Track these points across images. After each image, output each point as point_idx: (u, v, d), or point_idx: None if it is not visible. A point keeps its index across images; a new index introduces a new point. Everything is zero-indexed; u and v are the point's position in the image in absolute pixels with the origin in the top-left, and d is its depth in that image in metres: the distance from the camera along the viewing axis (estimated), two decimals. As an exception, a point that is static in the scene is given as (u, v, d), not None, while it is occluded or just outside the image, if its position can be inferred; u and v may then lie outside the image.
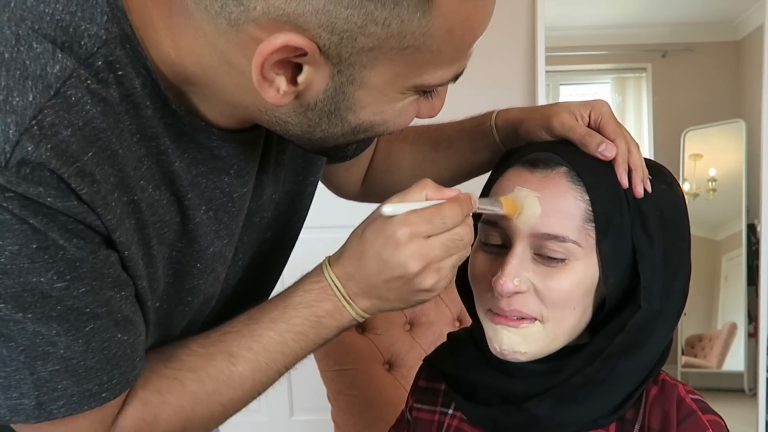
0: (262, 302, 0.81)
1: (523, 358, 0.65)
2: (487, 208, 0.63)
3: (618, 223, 0.63)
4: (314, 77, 0.50)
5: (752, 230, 2.18)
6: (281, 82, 0.50)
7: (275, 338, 0.62)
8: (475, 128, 0.81)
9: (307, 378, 0.86)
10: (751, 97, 2.16)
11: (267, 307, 0.64)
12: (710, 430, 0.63)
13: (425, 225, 0.58)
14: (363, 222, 0.62)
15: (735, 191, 2.24)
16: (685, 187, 2.31)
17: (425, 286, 0.60)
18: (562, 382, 0.65)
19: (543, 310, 0.64)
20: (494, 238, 0.67)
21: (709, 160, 2.31)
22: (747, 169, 2.21)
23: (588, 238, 0.63)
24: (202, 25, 0.49)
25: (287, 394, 2.25)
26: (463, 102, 0.87)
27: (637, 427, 0.66)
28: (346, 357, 1.41)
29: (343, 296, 0.62)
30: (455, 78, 0.56)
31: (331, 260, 0.63)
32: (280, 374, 0.65)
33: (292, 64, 0.49)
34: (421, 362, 0.82)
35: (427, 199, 0.59)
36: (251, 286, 0.77)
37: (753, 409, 2.13)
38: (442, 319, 1.46)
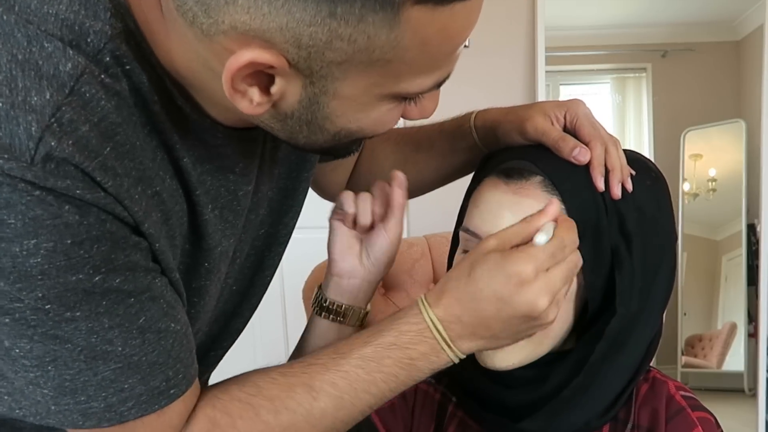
0: (257, 300, 0.81)
1: (511, 367, 0.65)
2: None
3: (596, 228, 0.63)
4: (287, 88, 0.50)
5: (752, 230, 2.18)
6: (254, 93, 0.50)
7: (364, 377, 0.59)
8: (455, 129, 0.80)
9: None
10: (751, 97, 2.16)
11: (356, 342, 0.61)
12: (699, 427, 0.63)
13: (548, 259, 0.56)
14: (465, 259, 0.60)
15: (735, 191, 2.24)
16: (685, 187, 2.31)
17: (548, 320, 0.58)
18: (550, 392, 0.65)
19: None
20: (474, 246, 0.67)
21: (709, 160, 2.31)
22: (747, 169, 2.21)
23: None
24: (185, 30, 0.49)
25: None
26: (463, 102, 0.87)
27: (629, 426, 0.65)
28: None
29: (444, 339, 0.59)
30: (439, 84, 0.54)
31: (430, 300, 0.60)
32: (363, 414, 0.62)
33: (265, 75, 0.49)
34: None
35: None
36: (247, 284, 0.77)
37: (753, 409, 2.13)
38: (442, 319, 1.46)
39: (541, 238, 0.56)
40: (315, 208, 0.84)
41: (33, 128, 0.45)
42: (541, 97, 2.06)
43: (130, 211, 0.51)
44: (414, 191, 0.93)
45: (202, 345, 0.73)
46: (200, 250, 0.62)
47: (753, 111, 2.13)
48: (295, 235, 0.82)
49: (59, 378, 0.51)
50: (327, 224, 0.77)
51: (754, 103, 2.12)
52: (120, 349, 0.52)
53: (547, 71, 2.06)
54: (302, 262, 0.92)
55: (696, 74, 2.31)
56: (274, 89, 0.50)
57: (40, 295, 0.48)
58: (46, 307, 0.48)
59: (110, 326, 0.51)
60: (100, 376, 0.51)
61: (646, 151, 2.30)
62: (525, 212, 0.62)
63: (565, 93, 2.33)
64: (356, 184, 0.94)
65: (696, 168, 2.31)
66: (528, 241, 0.57)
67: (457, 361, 0.60)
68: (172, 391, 0.55)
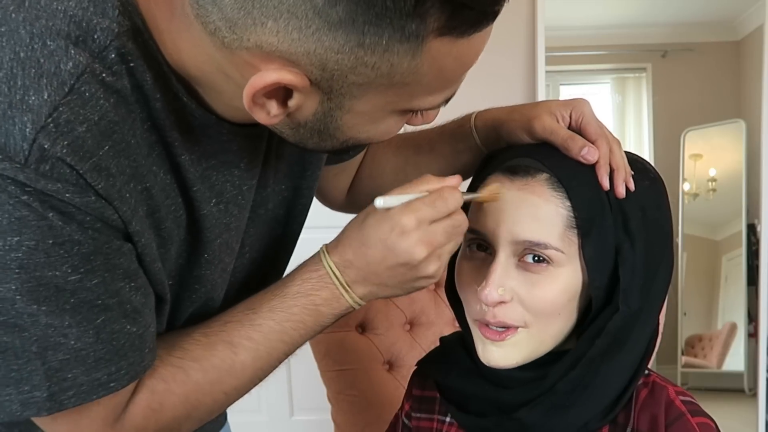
0: None
1: (513, 365, 0.65)
2: (469, 196, 0.64)
3: (601, 227, 0.63)
4: (305, 102, 0.52)
5: (752, 230, 2.18)
6: (272, 106, 0.51)
7: (275, 327, 0.64)
8: (455, 130, 0.81)
9: (307, 378, 0.86)
10: (751, 97, 2.16)
11: (266, 296, 0.66)
12: None
13: (430, 210, 0.59)
14: (363, 211, 0.63)
15: (735, 191, 2.24)
16: (685, 187, 2.31)
17: (428, 273, 0.61)
18: (549, 389, 0.65)
19: (528, 318, 0.64)
20: (479, 245, 0.67)
21: (709, 160, 2.31)
22: (747, 169, 2.21)
23: (571, 244, 0.63)
24: (201, 35, 0.50)
25: (287, 394, 2.25)
26: (463, 101, 0.86)
27: (628, 430, 0.65)
28: (346, 357, 1.41)
29: (341, 284, 0.63)
30: (447, 100, 0.57)
31: (329, 248, 0.64)
32: (280, 361, 0.67)
33: (283, 89, 0.50)
34: (415, 366, 0.82)
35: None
36: (260, 280, 0.77)
37: (753, 409, 2.13)
38: (442, 319, 1.46)
39: (379, 202, 0.59)
40: (316, 209, 0.84)
41: (28, 129, 0.46)
42: (541, 96, 2.06)
43: (119, 212, 0.52)
44: None
45: None
46: (200, 242, 0.63)
47: (753, 111, 2.13)
48: (297, 235, 0.83)
49: (5, 368, 0.52)
50: (327, 224, 0.78)
51: (754, 103, 2.12)
52: (72, 342, 0.53)
53: (547, 71, 2.06)
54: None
55: (696, 74, 2.31)
56: (291, 103, 0.51)
57: (13, 287, 0.49)
58: (16, 297, 0.49)
59: (69, 324, 0.52)
60: (47, 366, 0.52)
61: (646, 151, 2.30)
62: (530, 210, 0.62)
63: (565, 93, 2.33)
64: (357, 189, 0.94)
65: (696, 168, 2.31)
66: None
67: (357, 306, 0.65)
68: (111, 385, 0.56)
